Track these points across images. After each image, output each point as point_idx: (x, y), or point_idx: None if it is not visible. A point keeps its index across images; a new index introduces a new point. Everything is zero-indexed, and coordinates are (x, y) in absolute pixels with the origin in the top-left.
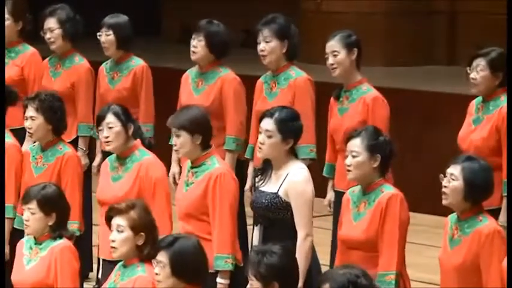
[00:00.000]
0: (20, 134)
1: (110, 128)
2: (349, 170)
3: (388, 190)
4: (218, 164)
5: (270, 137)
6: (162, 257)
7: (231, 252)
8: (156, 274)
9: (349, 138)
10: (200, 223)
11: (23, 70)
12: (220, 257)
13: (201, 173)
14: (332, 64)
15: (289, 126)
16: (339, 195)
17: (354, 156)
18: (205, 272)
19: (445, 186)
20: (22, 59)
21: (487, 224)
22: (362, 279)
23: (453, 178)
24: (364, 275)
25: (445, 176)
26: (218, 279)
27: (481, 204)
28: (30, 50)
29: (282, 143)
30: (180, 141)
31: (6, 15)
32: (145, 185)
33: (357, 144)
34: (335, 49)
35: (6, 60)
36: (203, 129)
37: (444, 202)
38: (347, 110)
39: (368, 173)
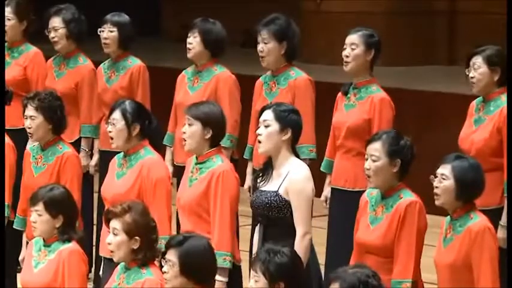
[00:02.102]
0: (20, 135)
1: (113, 124)
2: (368, 175)
3: (407, 197)
4: (222, 162)
5: (267, 126)
6: (172, 255)
7: (230, 250)
8: (165, 273)
9: (369, 141)
10: (201, 222)
11: (26, 70)
12: (219, 254)
13: (205, 170)
14: (347, 56)
15: (286, 116)
16: (334, 192)
17: (373, 161)
18: (214, 273)
19: (437, 187)
20: (25, 58)
21: (477, 221)
22: (372, 279)
23: (444, 178)
24: (374, 275)
25: (435, 177)
26: (216, 277)
27: (473, 202)
28: (33, 49)
29: (280, 133)
30: (191, 130)
31: (11, 15)
32: (146, 185)
33: (377, 148)
34: (355, 42)
35: (9, 60)
36: (216, 125)
37: (437, 202)
38: (354, 106)
39: (388, 178)
